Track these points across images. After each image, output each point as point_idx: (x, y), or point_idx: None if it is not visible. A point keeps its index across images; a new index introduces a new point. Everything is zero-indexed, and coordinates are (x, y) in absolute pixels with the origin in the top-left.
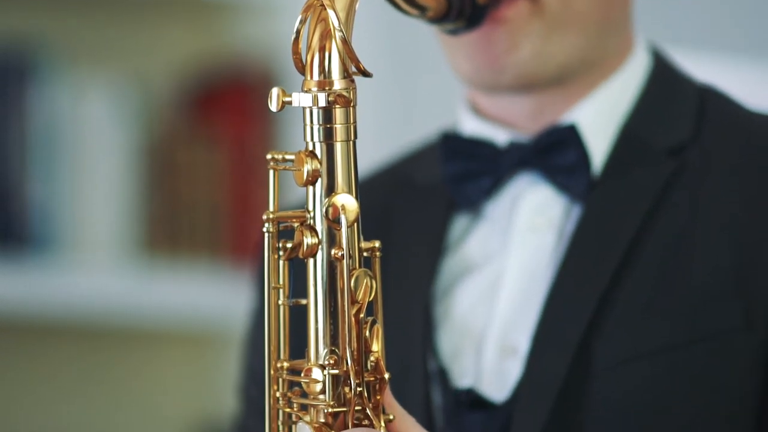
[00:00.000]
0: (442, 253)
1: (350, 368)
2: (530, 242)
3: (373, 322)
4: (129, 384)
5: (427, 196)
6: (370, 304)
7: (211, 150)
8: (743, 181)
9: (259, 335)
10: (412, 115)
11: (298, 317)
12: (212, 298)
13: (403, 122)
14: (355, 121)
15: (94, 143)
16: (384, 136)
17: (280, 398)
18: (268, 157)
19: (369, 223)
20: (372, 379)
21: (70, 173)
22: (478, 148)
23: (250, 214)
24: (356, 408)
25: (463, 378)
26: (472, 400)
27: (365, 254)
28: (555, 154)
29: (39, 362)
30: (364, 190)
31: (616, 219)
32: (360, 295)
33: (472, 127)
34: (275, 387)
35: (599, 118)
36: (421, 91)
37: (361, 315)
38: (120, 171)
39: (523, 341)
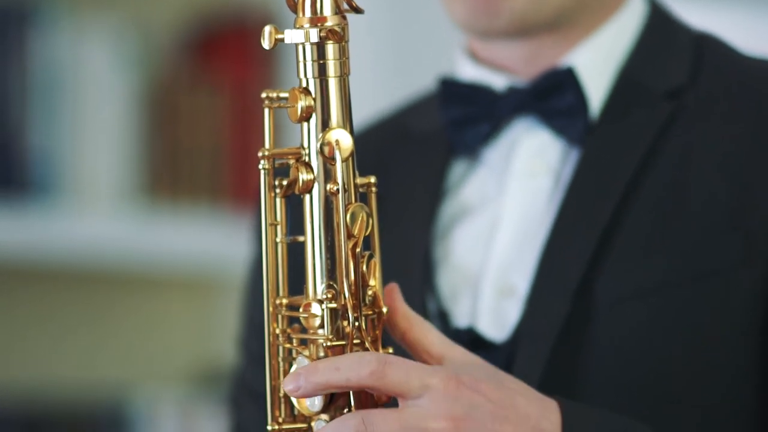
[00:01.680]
0: (440, 197)
1: (348, 302)
2: (528, 186)
3: (370, 257)
4: (130, 329)
5: (424, 142)
6: (367, 239)
7: (212, 95)
8: (740, 122)
9: (258, 287)
10: (408, 64)
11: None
12: (213, 242)
13: (398, 72)
14: (348, 57)
15: (94, 88)
16: (380, 87)
17: (280, 335)
18: (263, 95)
19: (367, 172)
20: (370, 312)
21: (70, 119)
22: (476, 93)
23: (252, 159)
24: (355, 342)
25: (462, 319)
26: (472, 340)
27: (361, 190)
28: (553, 97)
29: (40, 307)
30: (361, 141)
31: (614, 161)
32: (356, 230)
33: (469, 73)
34: (274, 324)
35: (596, 61)
36: (417, 41)
37: (358, 249)
38: (121, 116)
39: (520, 282)
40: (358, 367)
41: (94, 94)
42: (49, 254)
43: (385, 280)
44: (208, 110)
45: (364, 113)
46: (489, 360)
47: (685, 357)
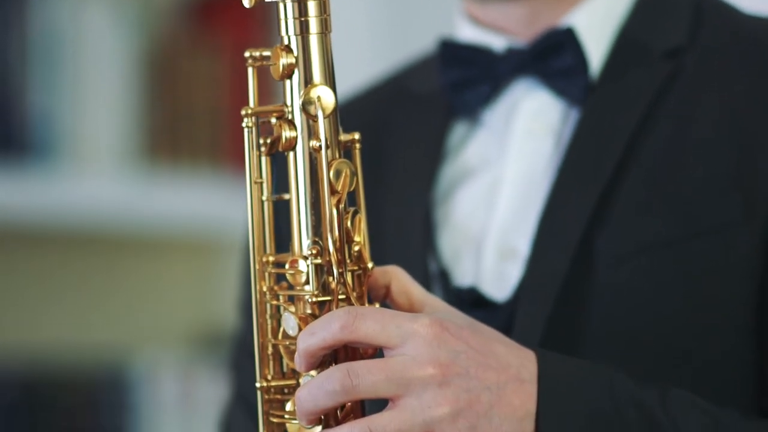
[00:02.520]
0: (441, 159)
1: (332, 258)
2: (528, 147)
3: (355, 213)
4: (130, 291)
5: (424, 104)
6: (352, 195)
7: (211, 58)
8: (740, 81)
9: None
10: (408, 26)
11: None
12: (213, 205)
13: (398, 34)
14: (329, 14)
15: (95, 51)
16: (379, 49)
17: (267, 292)
18: (246, 54)
19: (367, 134)
20: (356, 268)
21: (71, 82)
22: (476, 54)
23: None
24: (340, 297)
25: (463, 279)
26: (474, 299)
27: (347, 146)
28: (552, 58)
29: (39, 270)
30: (361, 103)
31: (614, 121)
32: (340, 186)
33: (469, 34)
34: (261, 281)
35: (595, 21)
36: (416, 2)
37: (342, 205)
38: (121, 79)
39: (521, 243)
40: (328, 325)
41: (94, 57)
42: (49, 217)
43: (386, 241)
44: (207, 73)
45: (364, 75)
46: (490, 319)
47: (684, 313)
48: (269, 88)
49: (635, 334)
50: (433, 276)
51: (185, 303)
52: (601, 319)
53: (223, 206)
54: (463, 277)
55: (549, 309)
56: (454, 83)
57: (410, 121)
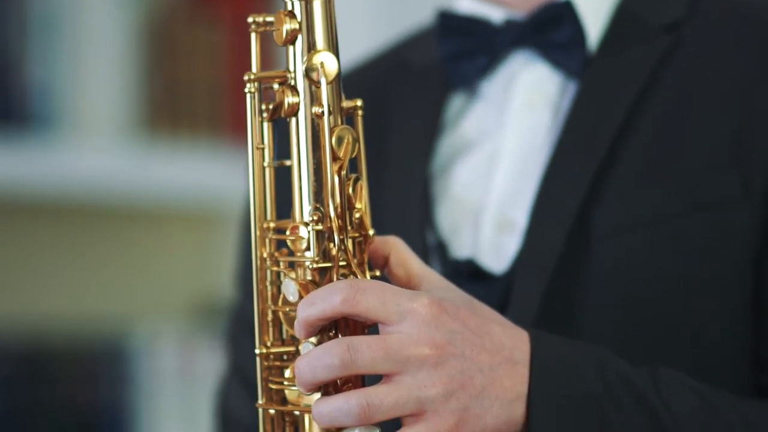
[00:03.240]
0: (439, 131)
1: (333, 224)
2: (526, 120)
3: (356, 179)
4: (129, 263)
5: (422, 76)
6: (354, 162)
7: (211, 29)
8: (739, 56)
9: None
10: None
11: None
12: (212, 176)
13: (396, 6)
14: None
15: (94, 23)
16: (377, 21)
17: (267, 258)
18: (249, 20)
19: (366, 106)
20: (357, 235)
21: (70, 53)
22: (474, 26)
23: None
24: (341, 264)
25: (461, 252)
26: (472, 271)
27: (349, 113)
28: (550, 30)
29: (39, 241)
30: (359, 75)
31: (612, 94)
32: (342, 152)
33: (467, 6)
34: (262, 248)
35: None
36: None
37: (344, 172)
38: (120, 50)
39: (520, 216)
40: (329, 296)
41: (93, 28)
42: (49, 189)
43: (384, 214)
44: (207, 44)
45: (363, 47)
46: (487, 291)
47: (679, 288)
48: (271, 56)
49: (631, 307)
50: (431, 248)
51: (184, 274)
52: (597, 291)
53: (222, 177)
54: (461, 249)
55: (546, 281)
56: (452, 55)
57: (408, 94)
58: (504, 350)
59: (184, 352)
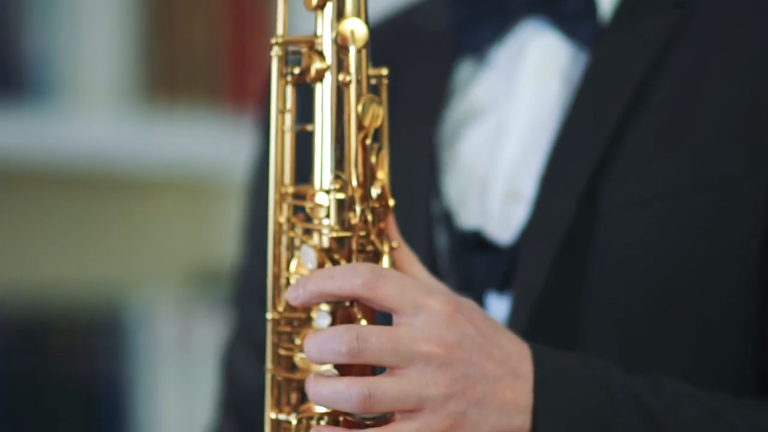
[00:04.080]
0: (447, 98)
1: (355, 193)
2: (536, 89)
3: (379, 149)
4: (127, 231)
5: (431, 42)
6: (377, 132)
7: None
8: (751, 30)
9: (262, 181)
10: None
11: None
12: (211, 144)
13: None
14: None
15: None
16: None
17: (284, 223)
18: None
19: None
20: (377, 205)
21: (68, 21)
22: None
23: (250, 61)
24: (360, 233)
25: (468, 221)
26: (477, 242)
27: (373, 81)
28: (562, 0)
29: (37, 210)
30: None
31: (623, 66)
32: (367, 121)
33: None
34: (279, 212)
35: None
36: None
37: (368, 141)
38: (118, 18)
39: (528, 186)
40: (351, 276)
41: None
42: (47, 157)
43: (392, 179)
44: (205, 11)
45: (372, 12)
46: (494, 261)
47: (687, 264)
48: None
49: (637, 283)
50: (437, 218)
51: (182, 243)
52: (604, 265)
53: (220, 146)
54: (467, 219)
55: (552, 253)
56: (463, 21)
57: (416, 59)
58: (510, 362)
59: (181, 321)
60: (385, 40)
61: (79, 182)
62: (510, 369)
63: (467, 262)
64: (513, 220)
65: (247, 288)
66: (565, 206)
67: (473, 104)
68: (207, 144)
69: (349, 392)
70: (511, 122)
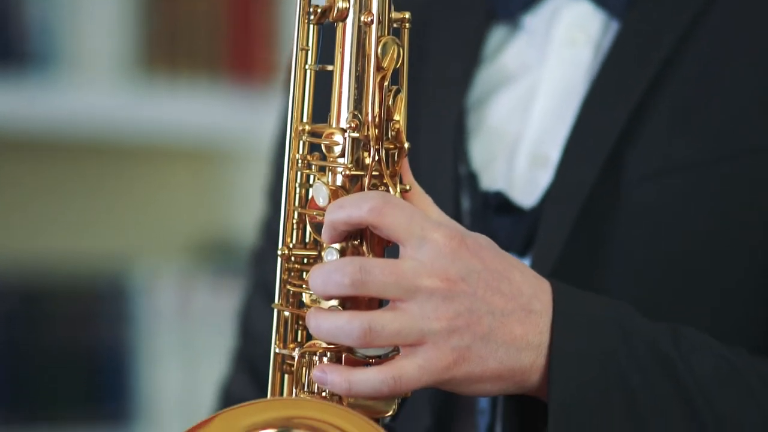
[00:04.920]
0: (478, 63)
1: (371, 133)
2: (567, 56)
3: (397, 91)
4: (127, 201)
5: (464, 6)
6: (396, 74)
7: None
8: None
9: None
10: None
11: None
12: (212, 114)
13: None
14: None
15: None
16: None
17: (300, 160)
18: None
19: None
20: (392, 147)
21: None
22: None
23: (250, 30)
24: (374, 173)
25: (494, 184)
26: (500, 204)
27: (395, 25)
28: None
29: (39, 179)
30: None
31: (653, 35)
32: (386, 62)
33: None
34: (295, 149)
35: None
36: None
37: (386, 83)
38: None
39: (554, 152)
40: (360, 202)
41: None
42: (48, 127)
43: (418, 142)
44: None
45: None
46: (515, 224)
47: (709, 235)
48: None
49: (658, 252)
50: (462, 179)
51: (183, 212)
52: (624, 233)
53: (221, 115)
54: (493, 182)
55: (574, 218)
56: None
57: (448, 22)
58: (521, 297)
59: (183, 290)
60: (418, 1)
61: (81, 151)
62: (521, 304)
63: (489, 224)
64: (538, 184)
65: (268, 241)
66: (587, 172)
67: (504, 69)
68: (207, 113)
69: (349, 326)
70: (540, 88)
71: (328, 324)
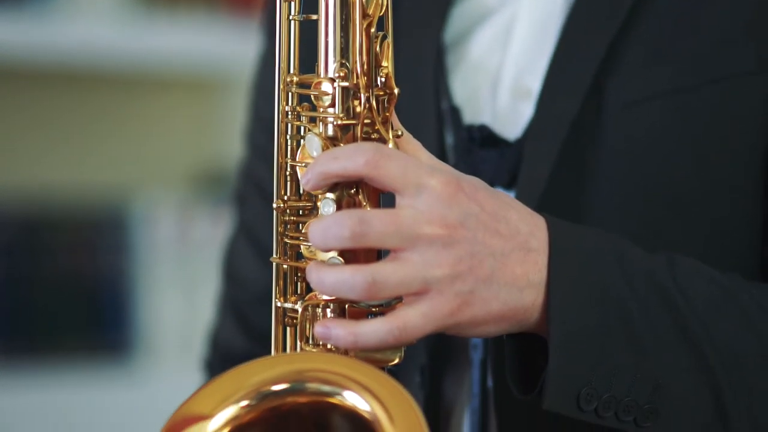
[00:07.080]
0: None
1: (360, 81)
2: None
3: (384, 38)
4: (128, 132)
5: None
6: (381, 21)
7: None
8: None
9: (265, 80)
10: None
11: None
12: (211, 45)
13: None
14: None
15: None
16: None
17: (289, 112)
18: None
19: None
20: (382, 93)
21: None
22: None
23: None
24: (365, 121)
25: (478, 118)
26: (484, 137)
27: None
28: None
29: (40, 110)
30: None
31: None
32: (371, 9)
33: None
34: (284, 101)
35: None
36: None
37: (372, 29)
38: None
39: (536, 84)
40: (354, 155)
41: None
42: (48, 58)
43: (398, 81)
44: None
45: None
46: (499, 157)
47: (692, 161)
48: None
49: (643, 180)
50: (445, 114)
51: (183, 143)
52: (609, 161)
53: (221, 45)
54: (476, 116)
55: (557, 149)
56: None
57: None
58: (519, 236)
59: (183, 221)
60: None
61: (80, 83)
62: (519, 243)
63: (474, 158)
64: (521, 117)
65: (250, 184)
66: (569, 103)
67: (481, 4)
68: (207, 44)
69: (353, 280)
70: (518, 20)
71: (332, 279)
